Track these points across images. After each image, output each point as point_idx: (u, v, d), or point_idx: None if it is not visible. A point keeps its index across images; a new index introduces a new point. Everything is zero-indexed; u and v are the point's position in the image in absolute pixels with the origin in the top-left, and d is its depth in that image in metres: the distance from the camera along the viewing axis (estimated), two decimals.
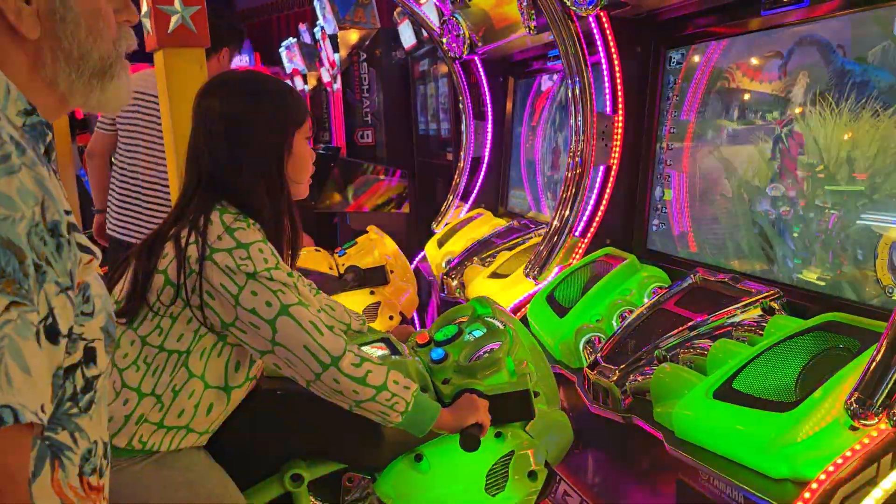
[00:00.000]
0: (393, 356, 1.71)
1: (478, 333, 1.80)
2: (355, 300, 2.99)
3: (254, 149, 1.50)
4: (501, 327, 1.76)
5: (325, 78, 6.88)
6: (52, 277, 0.75)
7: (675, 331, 1.90)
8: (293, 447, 1.63)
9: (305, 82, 8.37)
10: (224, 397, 1.51)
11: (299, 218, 1.64)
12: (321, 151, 4.89)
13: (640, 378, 1.86)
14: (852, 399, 1.31)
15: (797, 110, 2.01)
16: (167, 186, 3.02)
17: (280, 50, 8.79)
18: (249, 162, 1.51)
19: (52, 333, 0.76)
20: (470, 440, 1.51)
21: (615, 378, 1.87)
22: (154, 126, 3.03)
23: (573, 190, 2.56)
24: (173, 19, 2.20)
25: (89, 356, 0.85)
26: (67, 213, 0.79)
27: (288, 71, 9.06)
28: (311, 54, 7.46)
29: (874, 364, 1.30)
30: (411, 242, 4.36)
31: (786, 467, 1.41)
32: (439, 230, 3.89)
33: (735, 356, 1.68)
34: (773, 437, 1.43)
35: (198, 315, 1.45)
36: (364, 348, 1.74)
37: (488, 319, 1.82)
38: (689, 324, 1.90)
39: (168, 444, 1.48)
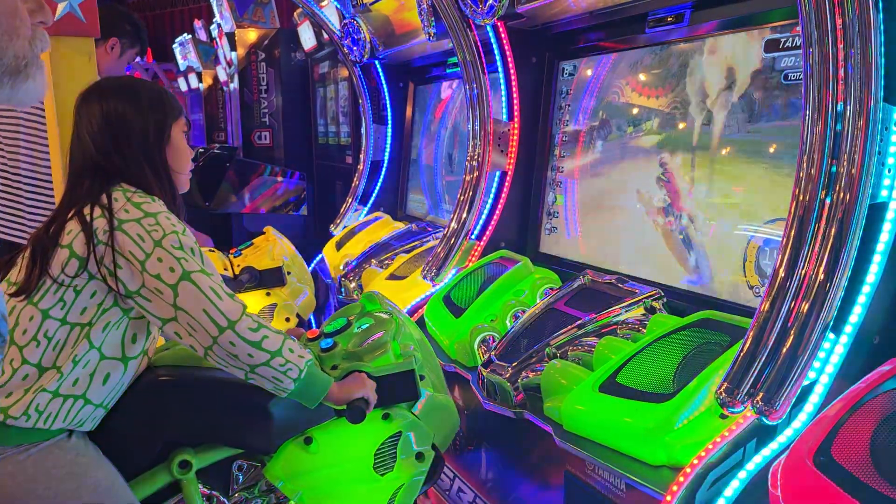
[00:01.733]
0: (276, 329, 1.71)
1: (365, 325, 1.83)
2: (251, 301, 2.95)
3: (136, 139, 1.60)
4: (388, 317, 1.80)
5: (222, 77, 6.73)
6: None
7: (565, 329, 1.99)
8: (180, 433, 1.61)
9: (200, 80, 8.14)
10: (121, 367, 1.53)
11: (183, 209, 1.70)
12: (216, 150, 4.79)
13: (531, 374, 1.93)
14: (721, 389, 1.41)
15: (681, 125, 2.14)
16: (50, 185, 2.90)
17: (174, 46, 8.53)
18: (134, 151, 1.59)
19: None
20: (356, 412, 1.55)
21: (507, 375, 1.94)
22: (34, 122, 2.91)
23: (470, 193, 2.62)
24: (61, 6, 2.12)
25: None
26: None
27: (182, 68, 8.80)
28: (207, 52, 7.28)
29: (740, 356, 1.42)
30: (309, 245, 4.32)
31: (663, 454, 1.51)
32: (338, 233, 3.88)
33: (619, 352, 1.78)
34: (652, 426, 1.52)
35: (101, 288, 1.47)
36: None
37: (377, 314, 1.85)
38: (578, 322, 1.99)
39: (65, 415, 1.47)
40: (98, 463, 1.52)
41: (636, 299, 2.01)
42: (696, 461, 1.43)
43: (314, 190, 4.96)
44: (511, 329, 2.12)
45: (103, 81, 1.65)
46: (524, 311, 2.23)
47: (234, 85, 6.07)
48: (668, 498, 1.41)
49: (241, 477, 1.66)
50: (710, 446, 1.44)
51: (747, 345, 1.41)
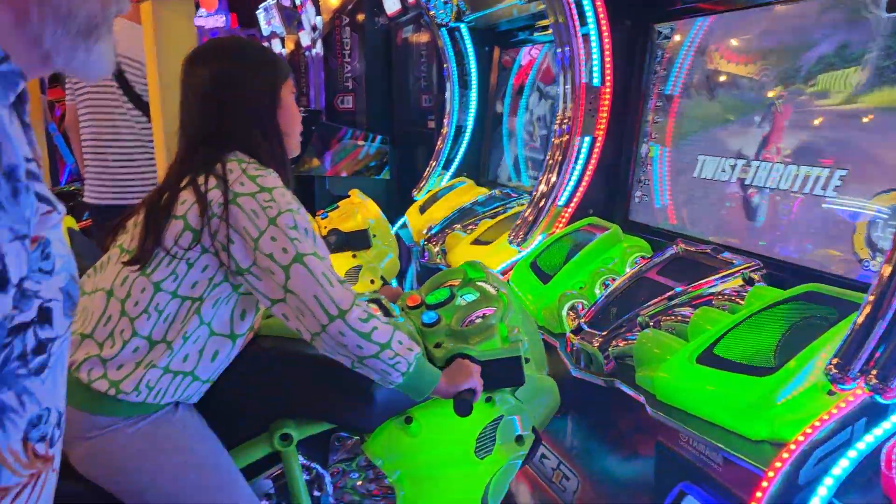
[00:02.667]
0: (385, 318, 1.72)
1: (470, 298, 1.81)
2: (336, 264, 2.99)
3: (247, 103, 1.54)
4: (494, 293, 1.78)
5: (304, 42, 6.79)
6: (4, 223, 0.71)
7: (658, 299, 1.94)
8: (282, 406, 1.64)
9: (283, 45, 8.24)
10: (229, 344, 1.53)
11: (292, 177, 1.64)
12: (302, 114, 4.85)
13: (622, 343, 1.90)
14: (832, 364, 1.36)
15: (783, 91, 2.04)
16: (135, 147, 3.00)
17: (258, 12, 8.63)
18: (245, 116, 1.54)
19: (1, 281, 0.71)
20: (463, 405, 1.52)
21: (598, 343, 1.91)
22: (111, 88, 2.98)
23: (559, 157, 2.58)
24: None
25: (44, 317, 0.81)
26: (28, 160, 0.75)
27: (265, 34, 8.91)
28: (291, 17, 7.35)
29: (854, 331, 1.35)
30: (391, 209, 4.35)
31: (765, 429, 1.46)
32: (420, 197, 3.89)
33: (716, 323, 1.73)
34: (753, 400, 1.48)
35: (213, 262, 1.45)
36: None
37: (480, 284, 1.84)
38: (671, 292, 1.94)
39: (174, 391, 1.49)
40: (203, 436, 1.54)
41: (734, 270, 1.95)
42: (801, 437, 1.38)
43: (396, 154, 4.98)
44: (601, 297, 2.09)
45: (210, 43, 1.63)
46: (614, 280, 2.20)
47: (318, 50, 6.12)
48: (771, 474, 1.38)
49: (340, 450, 1.68)
50: (817, 423, 1.39)
51: (861, 319, 1.35)
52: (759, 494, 1.39)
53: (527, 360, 1.69)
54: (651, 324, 1.90)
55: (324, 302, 1.41)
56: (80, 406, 1.44)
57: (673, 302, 1.93)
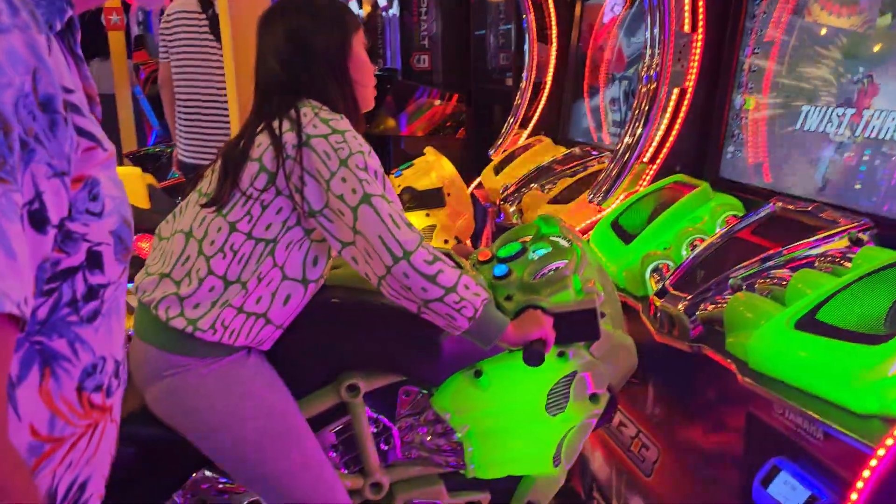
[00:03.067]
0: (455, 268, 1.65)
1: (542, 252, 1.72)
2: (411, 222, 2.93)
3: (321, 55, 1.57)
4: (568, 246, 1.68)
5: (381, 2, 6.72)
6: (42, 157, 0.67)
7: (751, 260, 1.79)
8: (350, 358, 1.61)
9: (360, 6, 8.19)
10: (301, 289, 1.53)
11: (363, 126, 1.67)
12: (377, 73, 4.79)
13: (710, 307, 1.77)
14: None
15: (891, 38, 1.83)
16: (226, 103, 3.00)
17: None
18: (319, 66, 1.57)
19: (39, 220, 0.68)
20: (534, 355, 1.46)
21: (684, 306, 1.78)
22: (202, 42, 3.00)
23: (646, 107, 2.42)
24: None
25: (94, 261, 0.77)
26: (69, 91, 0.70)
27: None
28: None
29: None
30: (467, 169, 4.26)
31: (875, 402, 1.32)
32: (497, 156, 3.78)
33: (819, 287, 1.58)
34: (861, 370, 1.34)
35: (287, 204, 1.47)
36: None
37: (554, 238, 1.74)
38: (767, 253, 1.79)
39: (248, 332, 1.49)
40: (273, 384, 1.55)
41: (838, 229, 1.77)
42: None
43: (472, 113, 4.87)
44: (688, 258, 1.95)
45: (281, 2, 1.64)
46: (702, 240, 2.05)
47: (394, 10, 6.03)
48: (881, 451, 1.24)
49: (407, 403, 1.64)
50: None
51: None
52: (866, 474, 1.26)
53: (602, 315, 1.60)
54: (744, 286, 1.76)
55: (389, 243, 1.40)
56: (158, 344, 1.48)
57: (769, 263, 1.78)
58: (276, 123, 1.48)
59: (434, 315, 1.45)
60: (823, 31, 2.09)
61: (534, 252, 1.73)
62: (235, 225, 1.47)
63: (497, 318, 1.49)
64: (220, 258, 1.47)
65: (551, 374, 1.58)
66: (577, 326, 1.56)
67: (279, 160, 1.45)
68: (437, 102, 4.61)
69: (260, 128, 1.50)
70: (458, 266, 1.67)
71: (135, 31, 7.75)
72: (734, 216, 2.14)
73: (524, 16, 3.70)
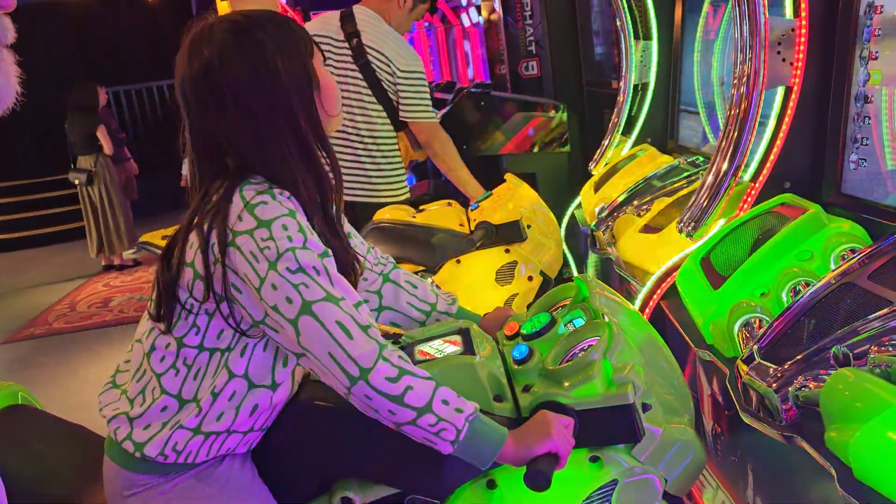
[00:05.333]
0: (464, 354, 1.36)
1: (579, 323, 1.39)
2: (489, 260, 2.66)
3: (281, 109, 1.29)
4: (600, 321, 1.34)
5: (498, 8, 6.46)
6: None
7: (869, 319, 1.36)
8: (342, 466, 1.37)
9: (479, 13, 7.97)
10: (269, 395, 1.31)
11: (334, 156, 1.38)
12: (472, 90, 4.53)
13: (812, 385, 1.36)
14: None
15: None
16: (381, 140, 2.98)
17: None
18: (279, 125, 1.29)
19: None
20: (537, 477, 1.15)
21: (775, 383, 1.38)
22: (358, 81, 2.90)
23: (739, 118, 1.99)
24: None
25: None
26: None
27: (463, 3, 8.69)
28: None
29: None
30: (576, 186, 3.90)
31: None
32: (598, 171, 3.40)
33: None
34: None
35: (223, 311, 1.25)
36: (433, 343, 1.40)
37: (592, 307, 1.41)
38: (890, 309, 1.35)
39: (208, 449, 1.31)
40: (250, 492, 1.35)
41: None
42: None
43: (585, 121, 4.48)
44: (786, 312, 1.53)
45: (214, 23, 1.30)
46: (808, 284, 1.62)
47: (497, 10, 5.75)
48: None
49: None
50: None
51: None
52: None
53: (647, 408, 1.25)
54: (852, 357, 1.33)
55: (341, 361, 1.15)
56: (118, 461, 1.33)
57: (891, 324, 1.33)
58: (206, 216, 1.24)
59: (410, 436, 1.20)
60: None
61: (568, 323, 1.40)
62: (183, 340, 1.28)
63: (490, 435, 1.20)
64: (171, 375, 1.29)
65: (583, 483, 1.26)
66: (609, 426, 1.23)
67: (207, 265, 1.23)
68: (537, 113, 4.26)
69: (195, 220, 1.27)
70: (471, 350, 1.37)
71: None
72: (854, 249, 1.68)
73: (624, 7, 3.30)
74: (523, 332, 1.42)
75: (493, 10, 7.18)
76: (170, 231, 1.35)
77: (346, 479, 1.37)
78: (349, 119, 2.92)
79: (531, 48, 5.11)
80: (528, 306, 1.65)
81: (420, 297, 1.64)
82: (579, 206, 3.39)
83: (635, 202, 2.67)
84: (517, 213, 2.65)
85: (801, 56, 1.96)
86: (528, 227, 2.66)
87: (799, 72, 1.97)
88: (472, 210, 2.79)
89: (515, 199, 2.73)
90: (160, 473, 1.30)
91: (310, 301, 1.17)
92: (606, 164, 3.36)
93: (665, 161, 2.97)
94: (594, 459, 1.27)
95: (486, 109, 4.14)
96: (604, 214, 2.79)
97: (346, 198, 2.95)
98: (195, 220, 1.26)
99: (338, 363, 1.15)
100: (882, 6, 1.81)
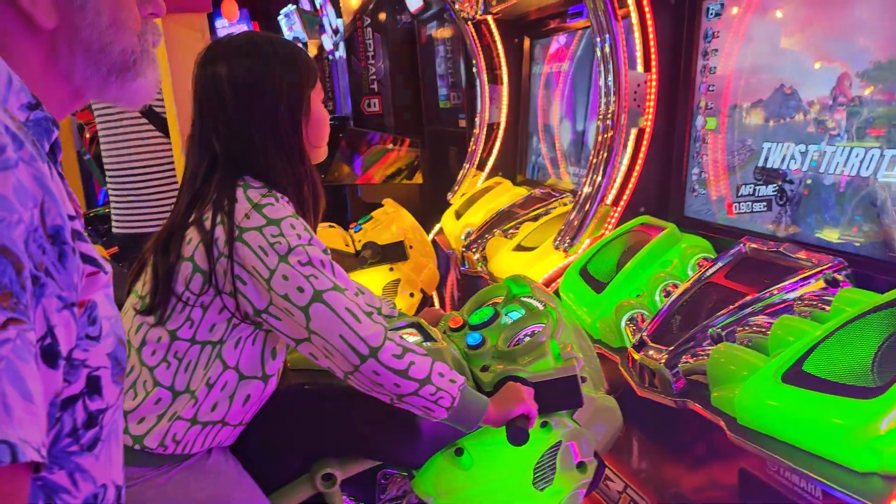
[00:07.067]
0: (426, 343, 1.57)
1: (516, 315, 1.66)
2: (374, 278, 2.85)
3: (270, 116, 1.38)
4: (542, 308, 1.62)
5: (327, 45, 6.67)
6: (52, 291, 0.65)
7: (729, 307, 1.75)
8: (323, 445, 1.51)
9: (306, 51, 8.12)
10: (261, 385, 1.41)
11: (321, 184, 1.51)
12: (331, 121, 4.72)
13: (692, 360, 1.72)
14: None
15: (844, 69, 1.83)
16: (160, 168, 2.86)
17: (279, 18, 8.55)
18: (266, 131, 1.38)
19: (51, 355, 0.65)
20: (519, 434, 1.38)
21: (665, 360, 1.73)
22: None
23: (605, 154, 2.39)
24: None
25: (92, 386, 0.74)
26: (72, 217, 0.68)
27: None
28: (312, 21, 7.24)
29: None
30: (426, 215, 4.20)
31: (873, 460, 1.27)
32: (455, 201, 3.73)
33: (802, 335, 1.54)
34: (857, 426, 1.29)
35: (229, 303, 1.33)
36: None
37: (526, 300, 1.68)
38: (744, 299, 1.75)
39: (204, 439, 1.38)
40: (240, 482, 1.44)
41: (814, 270, 1.75)
42: None
43: (428, 156, 4.82)
44: (664, 307, 1.90)
45: (228, 38, 1.42)
46: (675, 286, 2.01)
47: (341, 53, 5.99)
48: None
49: (388, 488, 1.55)
50: None
51: None
52: None
53: (583, 380, 1.54)
54: (724, 336, 1.71)
55: (352, 342, 1.29)
56: None
57: (747, 310, 1.74)
58: (207, 214, 1.33)
59: (410, 407, 1.35)
60: (779, 57, 2.09)
61: (506, 315, 1.66)
62: (176, 333, 1.34)
63: (476, 401, 1.40)
64: (164, 368, 1.34)
65: (536, 446, 1.51)
66: (560, 395, 1.49)
67: (211, 259, 1.30)
68: (390, 147, 4.55)
69: (191, 218, 1.35)
70: (430, 338, 1.59)
71: None
72: (705, 258, 2.11)
73: (473, 60, 3.68)
74: (471, 322, 1.65)
75: (320, 49, 7.40)
76: None
77: (324, 458, 1.51)
78: (147, 150, 2.84)
79: (373, 86, 5.39)
80: (461, 307, 1.88)
81: (367, 303, 1.81)
82: (440, 231, 3.67)
83: (503, 226, 3.00)
84: (401, 234, 2.88)
85: (651, 103, 2.40)
86: (410, 247, 2.90)
87: (650, 116, 2.41)
88: (355, 231, 2.98)
89: (398, 221, 2.96)
90: (153, 466, 1.35)
91: (320, 290, 1.28)
92: (464, 196, 3.69)
93: (520, 192, 3.36)
94: (544, 425, 1.52)
95: (344, 140, 4.34)
96: (472, 238, 3.09)
97: (120, 230, 2.92)
98: (191, 217, 1.35)
99: (348, 343, 1.28)
100: (715, 66, 2.30)
